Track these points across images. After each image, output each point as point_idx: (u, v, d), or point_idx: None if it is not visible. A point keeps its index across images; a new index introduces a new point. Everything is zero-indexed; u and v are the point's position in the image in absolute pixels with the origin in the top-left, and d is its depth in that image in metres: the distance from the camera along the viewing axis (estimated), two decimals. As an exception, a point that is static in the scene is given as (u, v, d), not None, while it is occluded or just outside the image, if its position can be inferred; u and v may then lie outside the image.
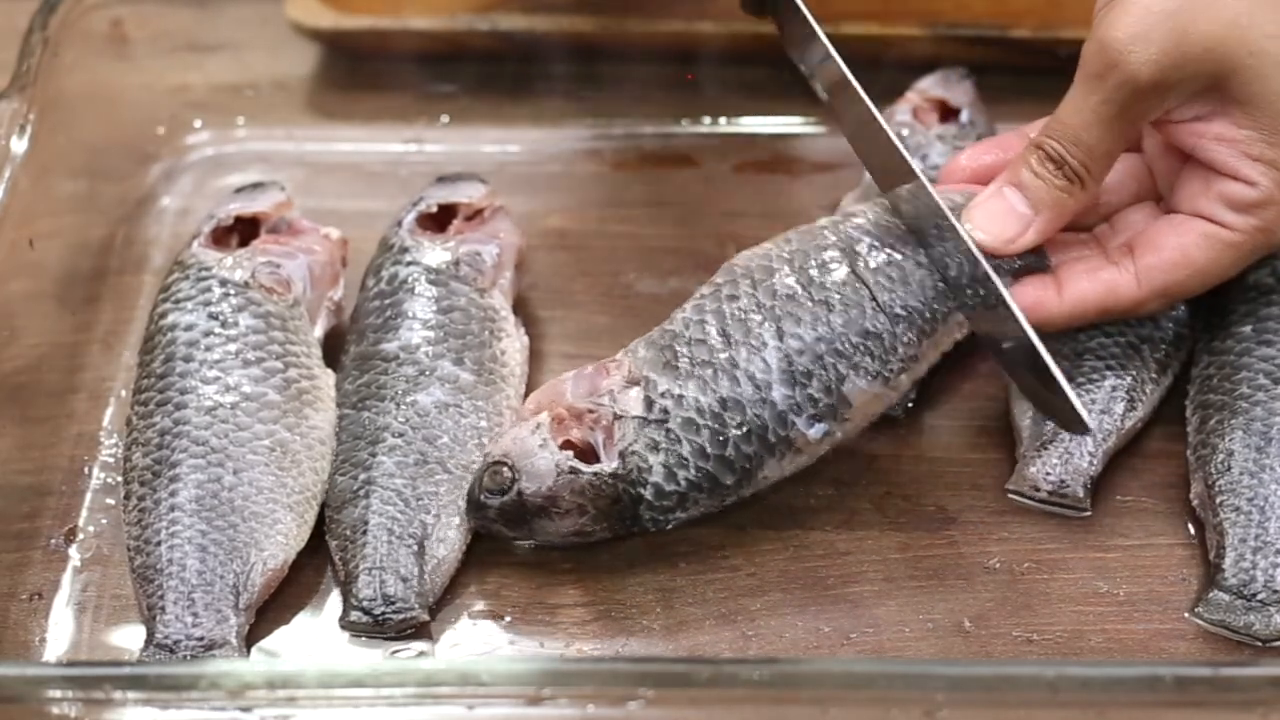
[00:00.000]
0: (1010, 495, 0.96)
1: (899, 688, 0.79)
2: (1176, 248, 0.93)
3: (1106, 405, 0.97)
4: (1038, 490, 0.95)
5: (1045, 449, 0.95)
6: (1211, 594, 0.91)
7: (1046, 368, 0.89)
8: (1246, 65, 0.90)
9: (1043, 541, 0.94)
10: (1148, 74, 0.89)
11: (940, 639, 0.90)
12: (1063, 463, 0.95)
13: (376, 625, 0.90)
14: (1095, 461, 0.96)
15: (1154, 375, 0.99)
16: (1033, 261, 0.94)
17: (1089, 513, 0.95)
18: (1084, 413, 0.89)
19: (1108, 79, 0.90)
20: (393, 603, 0.90)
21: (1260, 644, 0.89)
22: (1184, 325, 1.01)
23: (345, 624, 0.90)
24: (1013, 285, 0.93)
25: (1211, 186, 0.93)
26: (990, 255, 0.92)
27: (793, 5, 0.95)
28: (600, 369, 0.93)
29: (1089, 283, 0.94)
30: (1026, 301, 0.92)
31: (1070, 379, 0.92)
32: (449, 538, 0.92)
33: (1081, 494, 0.95)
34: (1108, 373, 0.98)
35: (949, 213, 0.92)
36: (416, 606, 0.90)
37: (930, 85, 1.12)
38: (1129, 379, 0.98)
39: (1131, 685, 0.78)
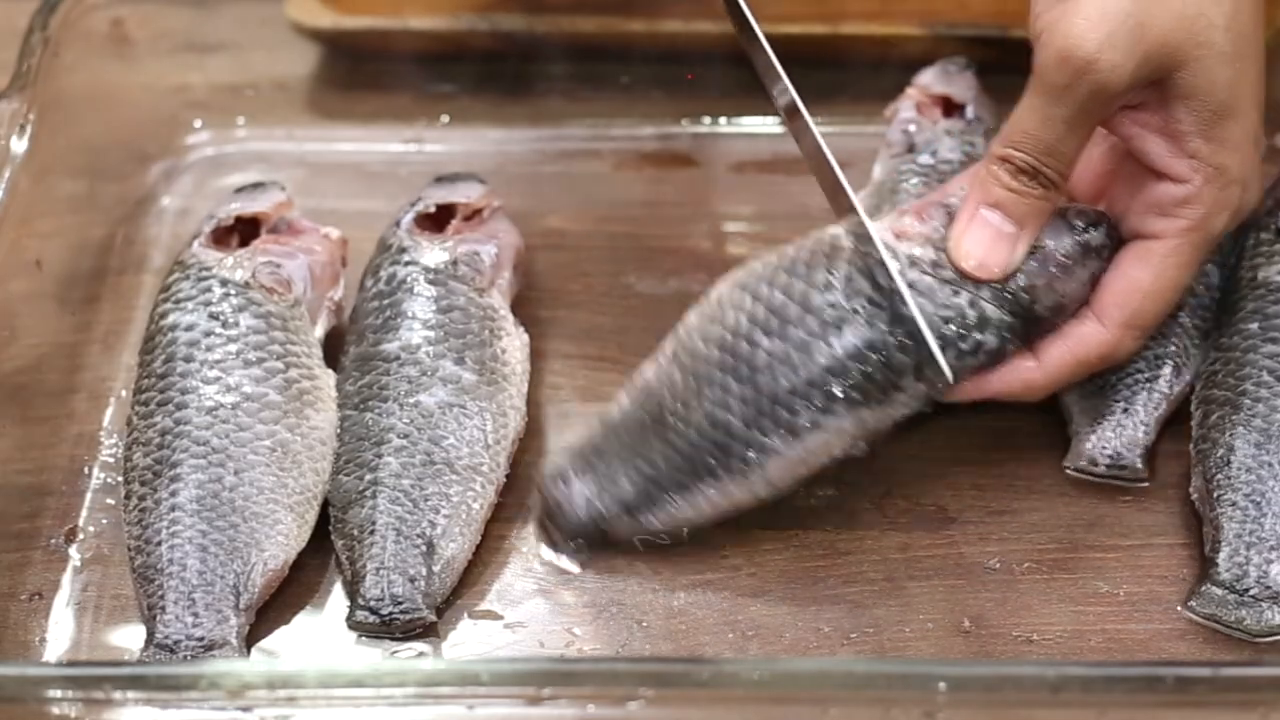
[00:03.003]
0: (1069, 472, 0.97)
1: (899, 688, 0.79)
2: (1120, 277, 0.93)
3: (1153, 373, 0.98)
4: (1095, 465, 0.97)
5: (1099, 423, 0.97)
6: (1205, 588, 0.91)
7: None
8: (1194, 58, 0.88)
9: (1042, 541, 0.94)
10: (1117, 80, 0.87)
11: (940, 639, 0.90)
12: (1117, 435, 0.96)
13: (383, 625, 0.90)
14: (1149, 430, 0.97)
15: (1196, 340, 0.99)
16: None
17: (1147, 483, 0.96)
18: (943, 363, 0.89)
19: (1077, 89, 0.87)
20: (400, 603, 0.90)
21: (1251, 638, 0.90)
22: (1217, 290, 1.01)
23: (352, 623, 0.90)
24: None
25: (1137, 196, 0.93)
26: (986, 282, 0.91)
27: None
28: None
29: (1060, 342, 0.93)
30: (1010, 379, 0.92)
31: None
32: (457, 539, 0.92)
33: (1140, 464, 0.96)
34: (1151, 343, 0.98)
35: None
36: (424, 607, 0.90)
37: (932, 80, 1.12)
38: (1172, 346, 0.98)
39: (1131, 685, 0.78)
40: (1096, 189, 0.96)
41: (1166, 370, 0.98)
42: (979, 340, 0.91)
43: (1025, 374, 0.93)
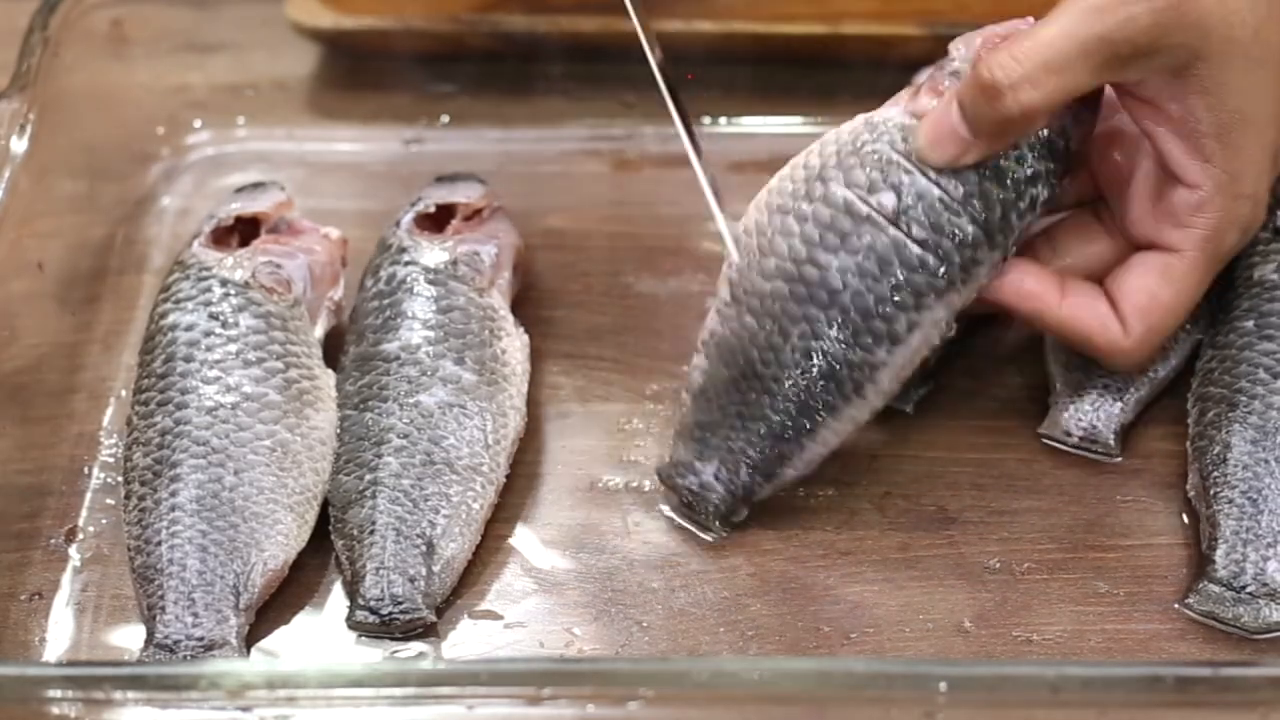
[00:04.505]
0: (1043, 440, 0.98)
1: (899, 688, 0.79)
2: (1142, 290, 0.93)
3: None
4: (1069, 435, 0.97)
5: (1078, 396, 0.98)
6: (1202, 585, 0.91)
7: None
8: (1219, 51, 0.88)
9: (1042, 541, 0.94)
10: (1146, 26, 0.86)
11: (940, 639, 0.90)
12: (1094, 409, 0.97)
13: (383, 625, 0.90)
14: (1128, 409, 0.98)
15: (1185, 326, 0.99)
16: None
17: (1119, 458, 0.97)
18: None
19: (1112, 13, 0.86)
20: (399, 603, 0.90)
21: (1249, 635, 0.90)
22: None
23: (352, 623, 0.90)
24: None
25: (1154, 202, 0.93)
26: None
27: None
28: None
29: (1089, 308, 0.93)
30: (1025, 283, 0.93)
31: None
32: (457, 539, 0.92)
33: (1112, 440, 0.97)
34: None
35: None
36: (424, 607, 0.90)
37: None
38: None
39: (1131, 685, 0.78)
40: (1116, 190, 0.95)
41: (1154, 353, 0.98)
42: (1033, 195, 0.91)
43: (1045, 290, 0.93)
